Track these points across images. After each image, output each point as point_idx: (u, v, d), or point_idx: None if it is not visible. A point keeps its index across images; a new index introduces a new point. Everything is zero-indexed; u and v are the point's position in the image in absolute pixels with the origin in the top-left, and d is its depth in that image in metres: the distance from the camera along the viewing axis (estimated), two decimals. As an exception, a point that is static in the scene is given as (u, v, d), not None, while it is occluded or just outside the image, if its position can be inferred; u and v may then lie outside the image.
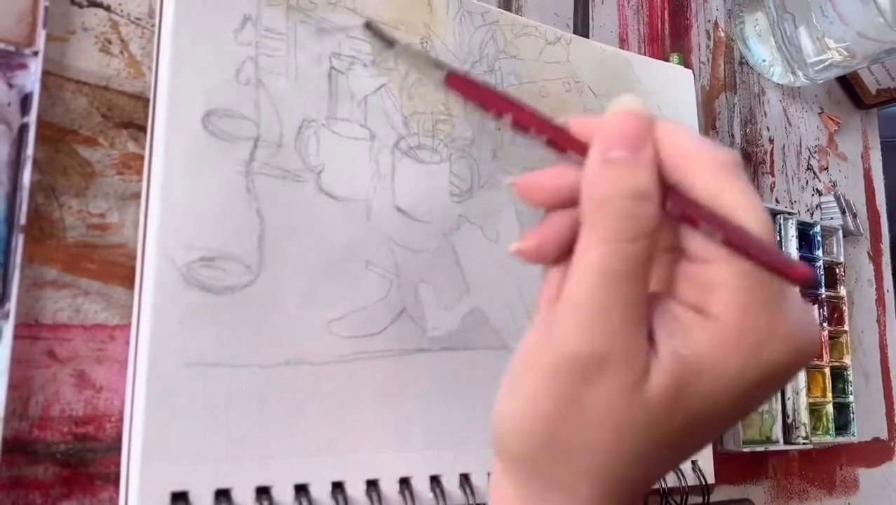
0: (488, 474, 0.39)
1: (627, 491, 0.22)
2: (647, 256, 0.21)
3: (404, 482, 0.36)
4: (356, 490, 0.34)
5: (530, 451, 0.22)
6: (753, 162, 0.61)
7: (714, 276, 0.21)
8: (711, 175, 0.21)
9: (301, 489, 0.33)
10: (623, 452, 0.21)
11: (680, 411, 0.21)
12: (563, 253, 0.23)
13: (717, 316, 0.21)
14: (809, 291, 0.57)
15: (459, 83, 0.29)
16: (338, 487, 0.34)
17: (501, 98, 0.25)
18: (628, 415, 0.21)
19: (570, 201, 0.22)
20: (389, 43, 0.38)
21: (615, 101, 0.22)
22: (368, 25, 0.39)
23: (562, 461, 0.22)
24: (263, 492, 0.32)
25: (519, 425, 0.22)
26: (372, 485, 0.35)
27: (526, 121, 0.23)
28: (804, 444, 0.53)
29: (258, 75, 0.35)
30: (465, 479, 0.38)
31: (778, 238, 0.56)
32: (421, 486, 0.36)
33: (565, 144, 0.23)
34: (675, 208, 0.21)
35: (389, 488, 0.35)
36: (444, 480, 0.37)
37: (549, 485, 0.22)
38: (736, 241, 0.20)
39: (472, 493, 0.38)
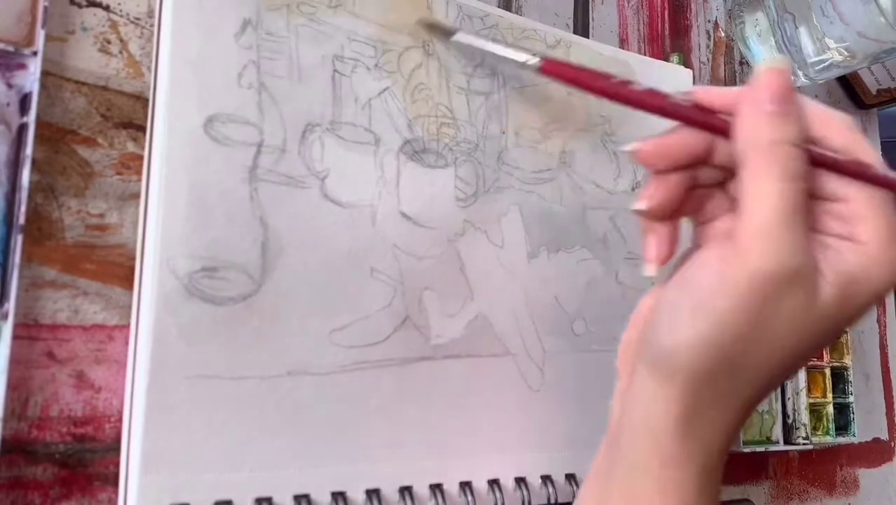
0: (489, 482, 0.38)
1: (768, 389, 0.27)
2: (807, 193, 0.25)
3: (406, 490, 0.36)
4: (357, 499, 0.34)
5: (713, 366, 0.25)
6: (753, 162, 0.60)
7: (857, 210, 0.26)
8: (845, 132, 0.26)
9: (302, 499, 0.33)
10: (797, 359, 0.26)
11: (842, 316, 0.26)
12: (674, 211, 0.28)
13: (865, 241, 0.26)
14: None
15: (555, 69, 0.32)
16: (339, 496, 0.34)
17: (603, 79, 0.30)
18: (807, 325, 0.25)
19: (687, 164, 0.27)
20: (449, 33, 0.40)
21: (766, 59, 0.27)
22: (426, 23, 0.40)
23: (739, 373, 0.26)
24: (264, 502, 0.32)
25: (709, 345, 0.25)
26: (373, 494, 0.35)
27: (653, 101, 0.28)
28: (804, 444, 0.53)
29: (260, 79, 0.35)
30: (466, 486, 0.38)
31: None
32: (423, 494, 0.36)
33: (680, 113, 0.27)
34: (820, 157, 0.26)
35: (391, 497, 0.35)
36: (445, 488, 0.37)
37: (719, 394, 0.26)
38: (885, 181, 0.26)
39: (474, 500, 0.37)
